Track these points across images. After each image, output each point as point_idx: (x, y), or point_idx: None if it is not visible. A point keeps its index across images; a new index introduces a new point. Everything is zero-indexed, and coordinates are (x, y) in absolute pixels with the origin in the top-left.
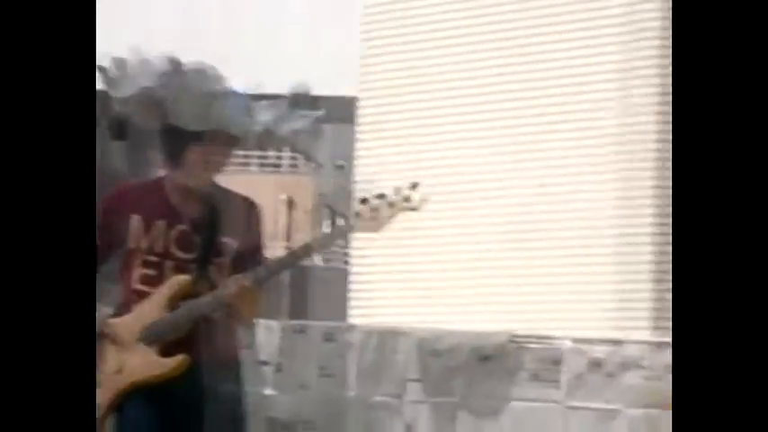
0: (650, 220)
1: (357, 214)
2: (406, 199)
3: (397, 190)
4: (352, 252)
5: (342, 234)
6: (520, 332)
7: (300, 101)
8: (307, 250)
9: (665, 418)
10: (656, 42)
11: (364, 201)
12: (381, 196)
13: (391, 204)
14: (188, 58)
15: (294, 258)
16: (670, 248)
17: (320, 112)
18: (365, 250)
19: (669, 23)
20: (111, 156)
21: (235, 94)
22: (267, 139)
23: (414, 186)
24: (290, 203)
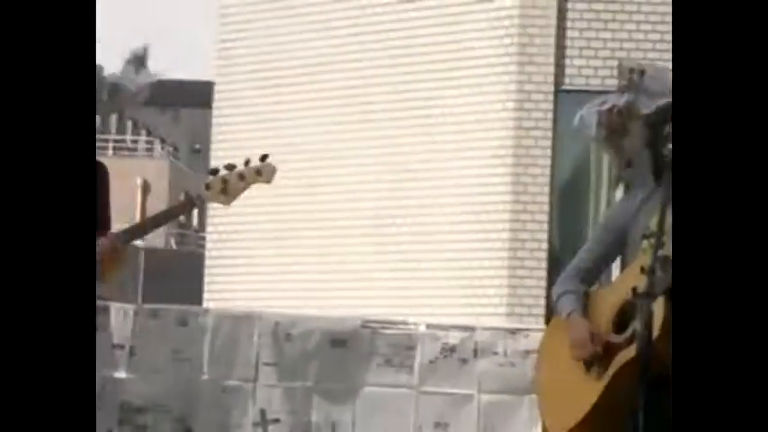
0: (507, 207)
1: (207, 185)
2: (257, 171)
3: (247, 162)
4: (207, 236)
5: (195, 203)
6: (374, 317)
7: (140, 62)
8: (164, 216)
9: (518, 404)
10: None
11: (215, 171)
12: (231, 167)
13: (241, 176)
14: None
15: (152, 224)
16: (526, 236)
17: (162, 74)
18: (220, 234)
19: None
20: None
21: None
22: (114, 95)
23: (263, 158)
24: (146, 187)
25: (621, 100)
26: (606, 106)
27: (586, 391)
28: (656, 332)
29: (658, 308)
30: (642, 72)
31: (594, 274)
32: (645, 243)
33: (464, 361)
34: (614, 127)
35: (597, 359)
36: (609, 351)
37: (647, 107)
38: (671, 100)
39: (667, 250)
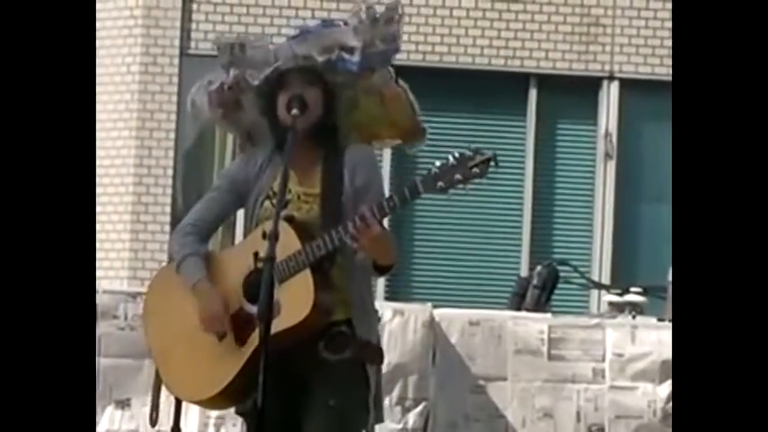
0: (131, 170)
1: None
2: None
3: None
4: None
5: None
6: None
7: None
8: None
9: (138, 368)
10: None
11: None
12: None
13: None
14: None
15: None
16: (149, 200)
17: None
18: None
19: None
20: None
21: None
22: None
23: None
24: None
25: (229, 77)
26: (215, 86)
27: (223, 363)
28: (286, 298)
29: (303, 282)
30: (242, 45)
31: (212, 232)
32: (267, 204)
33: None
34: (228, 104)
35: (233, 330)
36: (245, 321)
37: (256, 78)
38: (277, 65)
39: (292, 210)
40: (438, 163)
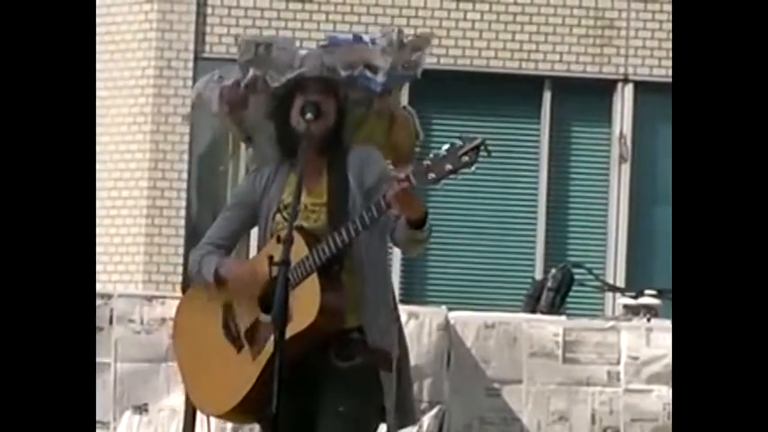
0: (145, 174)
1: None
2: None
3: None
4: None
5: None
6: None
7: None
8: None
9: (155, 371)
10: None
11: None
12: None
13: None
14: None
15: None
16: (164, 203)
17: None
18: None
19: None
20: None
21: None
22: None
23: None
24: None
25: (248, 75)
26: (229, 82)
27: (240, 376)
28: (295, 304)
29: (310, 286)
30: (269, 45)
31: (230, 248)
32: (278, 217)
33: (100, 329)
34: (237, 102)
35: (249, 343)
36: (261, 333)
37: (277, 80)
38: (302, 71)
39: (303, 221)
40: (430, 155)
